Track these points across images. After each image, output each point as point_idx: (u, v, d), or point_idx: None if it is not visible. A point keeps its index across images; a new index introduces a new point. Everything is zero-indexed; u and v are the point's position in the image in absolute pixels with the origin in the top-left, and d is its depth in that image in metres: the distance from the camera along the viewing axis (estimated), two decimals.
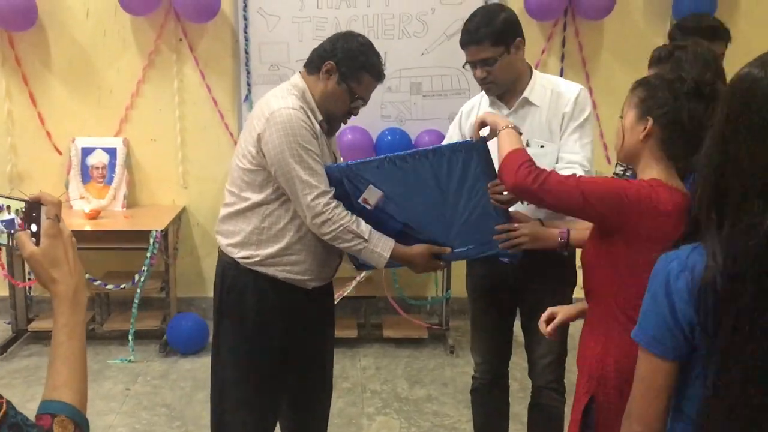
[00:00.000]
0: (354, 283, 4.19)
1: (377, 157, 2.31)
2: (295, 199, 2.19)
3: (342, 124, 2.36)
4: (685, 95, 1.68)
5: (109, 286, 4.16)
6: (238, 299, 2.30)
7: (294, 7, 4.36)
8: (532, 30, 4.45)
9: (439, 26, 4.38)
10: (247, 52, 4.43)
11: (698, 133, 1.54)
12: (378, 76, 2.28)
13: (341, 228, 2.19)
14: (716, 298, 1.13)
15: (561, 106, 2.41)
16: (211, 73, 4.51)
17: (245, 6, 4.38)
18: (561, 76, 4.46)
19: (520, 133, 2.10)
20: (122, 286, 4.14)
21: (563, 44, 4.56)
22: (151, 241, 4.01)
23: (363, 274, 4.04)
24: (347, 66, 2.23)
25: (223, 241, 2.33)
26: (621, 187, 1.71)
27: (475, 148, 2.18)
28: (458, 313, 4.45)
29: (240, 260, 2.28)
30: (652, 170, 1.73)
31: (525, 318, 2.61)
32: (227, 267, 2.32)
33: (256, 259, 2.26)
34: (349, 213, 2.22)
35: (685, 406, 1.24)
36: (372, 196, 2.25)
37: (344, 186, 2.25)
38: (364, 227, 2.24)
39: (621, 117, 1.81)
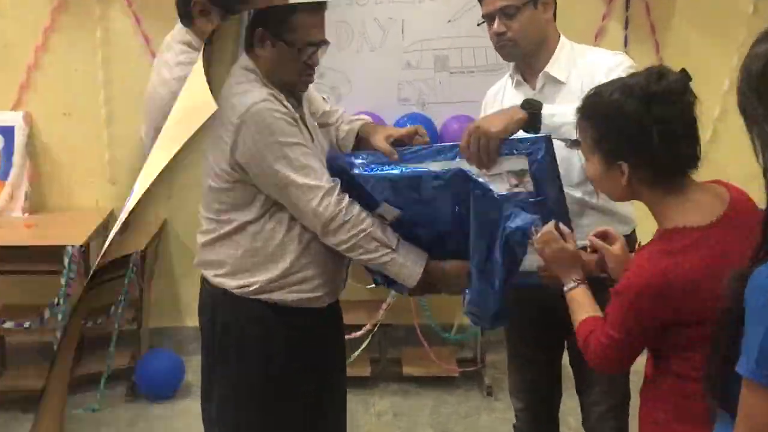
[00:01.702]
0: (382, 311, 3.91)
1: (385, 171, 2.15)
2: (297, 210, 2.08)
3: (310, 83, 2.24)
4: (646, 111, 1.60)
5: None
6: (237, 336, 2.19)
7: None
8: None
9: None
10: None
11: (690, 131, 1.58)
12: (311, 4, 2.17)
13: (362, 234, 2.06)
14: None
15: (595, 80, 2.15)
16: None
17: None
18: (625, 45, 4.29)
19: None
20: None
21: (627, 7, 4.15)
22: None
23: (389, 300, 3.87)
24: (272, 21, 2.16)
25: (209, 273, 2.22)
26: (637, 294, 1.61)
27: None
28: (496, 346, 3.95)
29: (236, 291, 2.16)
30: (662, 216, 1.68)
31: (574, 352, 2.33)
32: (219, 300, 2.20)
33: (255, 287, 2.13)
34: (368, 214, 2.10)
35: None
36: (388, 213, 2.13)
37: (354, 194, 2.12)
38: (390, 233, 2.12)
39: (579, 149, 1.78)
